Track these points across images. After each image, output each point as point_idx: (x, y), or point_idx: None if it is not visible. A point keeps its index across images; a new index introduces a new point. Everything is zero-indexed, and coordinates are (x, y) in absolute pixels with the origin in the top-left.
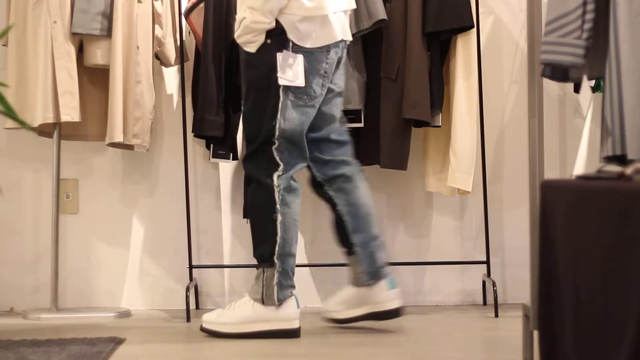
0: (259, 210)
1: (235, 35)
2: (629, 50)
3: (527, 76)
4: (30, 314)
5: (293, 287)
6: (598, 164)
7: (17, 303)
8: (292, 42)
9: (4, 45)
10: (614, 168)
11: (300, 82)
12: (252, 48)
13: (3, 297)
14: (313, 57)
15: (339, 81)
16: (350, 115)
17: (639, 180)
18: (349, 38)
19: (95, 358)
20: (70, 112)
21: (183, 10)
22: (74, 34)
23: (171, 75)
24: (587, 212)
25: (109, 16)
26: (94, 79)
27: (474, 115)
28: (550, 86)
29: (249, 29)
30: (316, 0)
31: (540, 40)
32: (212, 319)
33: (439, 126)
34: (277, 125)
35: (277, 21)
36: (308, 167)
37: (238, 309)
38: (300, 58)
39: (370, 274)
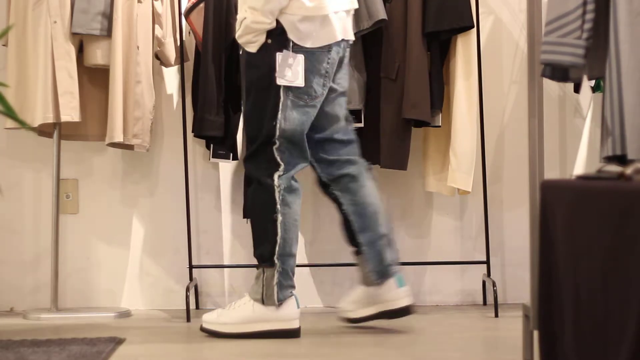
0: (260, 210)
1: (236, 35)
2: (629, 50)
3: (527, 76)
4: (30, 314)
5: (293, 287)
6: (598, 164)
7: (17, 303)
8: (293, 42)
9: (4, 45)
10: (614, 168)
11: (299, 82)
12: (252, 48)
13: (3, 297)
14: (314, 57)
15: (342, 81)
16: (350, 115)
17: (639, 180)
18: (351, 38)
19: (95, 358)
20: (70, 112)
21: (183, 10)
22: (74, 34)
23: (171, 75)
24: (587, 212)
25: (109, 16)
26: (94, 79)
27: (474, 115)
28: (550, 86)
29: (249, 29)
30: (316, 0)
31: (540, 40)
32: (212, 319)
33: (439, 126)
34: (278, 125)
35: (277, 21)
36: (313, 167)
37: (238, 309)
38: (300, 58)
39: (378, 272)
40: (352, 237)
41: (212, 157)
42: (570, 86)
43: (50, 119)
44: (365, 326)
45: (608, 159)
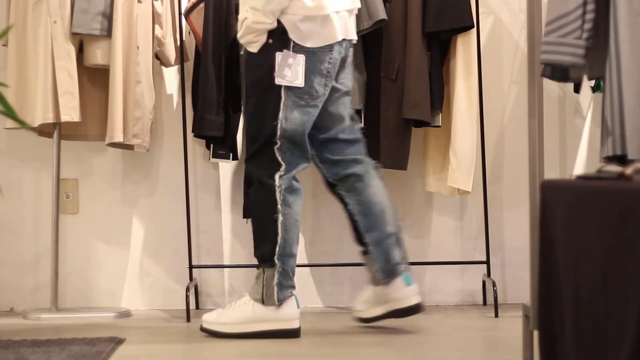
0: (260, 210)
1: (238, 35)
2: (629, 50)
3: (527, 76)
4: (30, 314)
5: (293, 287)
6: (598, 164)
7: (17, 303)
8: (294, 42)
9: (4, 45)
10: (614, 168)
11: (299, 82)
12: (254, 48)
13: (3, 297)
14: (315, 57)
15: (346, 80)
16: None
17: (639, 180)
18: (354, 37)
19: (95, 358)
20: (70, 112)
21: (183, 10)
22: (74, 34)
23: (171, 75)
24: (587, 212)
25: (109, 16)
26: (94, 79)
27: (474, 115)
28: (550, 86)
29: (250, 29)
30: (317, 0)
31: (540, 40)
32: (212, 319)
33: (439, 126)
34: (279, 125)
35: (278, 21)
36: (318, 168)
37: (238, 309)
38: (301, 58)
39: (385, 272)
40: (359, 237)
41: (212, 157)
42: (570, 86)
43: (50, 119)
44: (365, 326)
45: (608, 159)
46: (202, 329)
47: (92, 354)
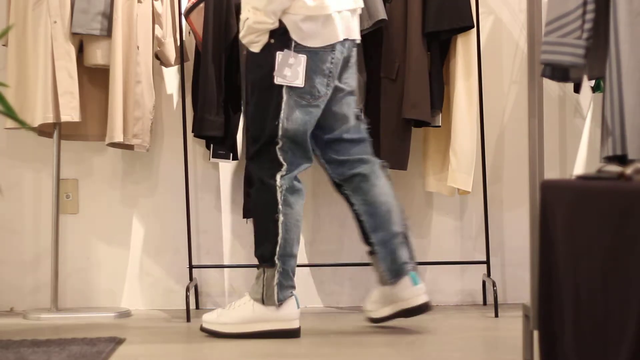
0: (261, 210)
1: (240, 35)
2: (629, 50)
3: (527, 76)
4: (30, 314)
5: (293, 287)
6: (598, 164)
7: (17, 303)
8: (295, 41)
9: (4, 45)
10: (614, 168)
11: (298, 82)
12: (256, 48)
13: (3, 297)
14: (317, 57)
15: (350, 80)
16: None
17: (639, 180)
18: (356, 37)
19: (95, 358)
20: (70, 112)
21: (183, 10)
22: (74, 34)
23: (171, 75)
24: (587, 212)
25: (109, 16)
26: (94, 79)
27: (474, 115)
28: (550, 86)
29: (252, 29)
30: (319, 0)
31: (540, 40)
32: (212, 319)
33: (439, 126)
34: (280, 125)
35: (280, 21)
36: (324, 168)
37: (238, 309)
38: (302, 58)
39: (392, 272)
40: (365, 237)
41: (212, 157)
42: (570, 86)
43: (50, 119)
44: (366, 326)
45: (608, 159)
46: (202, 329)
47: (92, 354)
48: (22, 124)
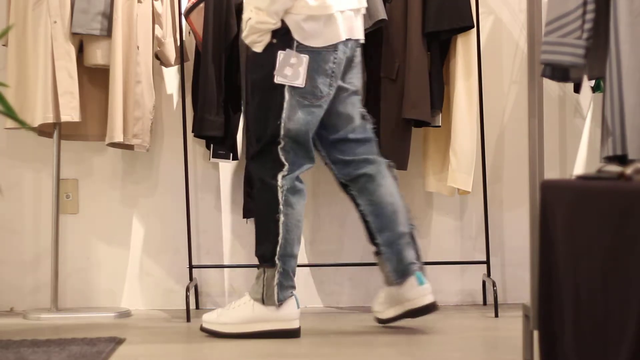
0: (263, 210)
1: (242, 35)
2: (630, 50)
3: (527, 76)
4: (30, 314)
5: (293, 287)
6: (598, 164)
7: (17, 303)
8: (297, 41)
9: (4, 45)
10: (614, 168)
11: (299, 82)
12: (258, 48)
13: (3, 297)
14: (320, 57)
15: (354, 80)
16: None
17: (639, 180)
18: (360, 37)
19: (95, 358)
20: (70, 112)
21: (183, 10)
22: (74, 34)
23: (171, 75)
24: (587, 212)
25: (109, 16)
26: (94, 79)
27: (474, 115)
28: (550, 86)
29: (254, 29)
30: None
31: (540, 40)
32: (212, 319)
33: (439, 126)
34: (282, 125)
35: (282, 21)
36: (330, 169)
37: (238, 309)
38: (304, 58)
39: (398, 272)
40: (371, 237)
41: (212, 157)
42: (570, 86)
43: (50, 119)
44: (365, 326)
45: (608, 159)
46: (202, 329)
47: (92, 354)
48: (22, 124)
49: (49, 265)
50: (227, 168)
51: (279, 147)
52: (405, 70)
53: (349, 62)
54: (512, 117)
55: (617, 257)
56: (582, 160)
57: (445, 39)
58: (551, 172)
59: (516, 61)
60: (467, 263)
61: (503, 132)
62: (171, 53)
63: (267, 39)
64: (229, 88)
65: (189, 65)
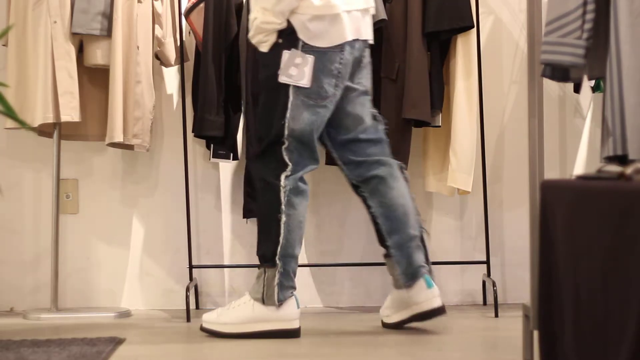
0: (265, 210)
1: (249, 35)
2: (630, 50)
3: (527, 76)
4: (30, 314)
5: (294, 288)
6: (598, 164)
7: (17, 303)
8: (303, 41)
9: (4, 45)
10: (614, 168)
11: (304, 82)
12: (264, 48)
13: (3, 297)
14: (325, 57)
15: (364, 80)
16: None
17: (639, 180)
18: (368, 37)
19: (95, 358)
20: (70, 112)
21: (183, 10)
22: (74, 34)
23: (171, 75)
24: (587, 212)
25: (109, 16)
26: (94, 79)
27: (474, 115)
28: (550, 86)
29: (260, 29)
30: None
31: (540, 40)
32: (212, 319)
33: (439, 126)
34: (286, 125)
35: (288, 21)
36: (341, 170)
37: (238, 309)
38: (309, 59)
39: (407, 275)
40: (381, 240)
41: (213, 157)
42: (570, 86)
43: (50, 119)
44: (365, 326)
45: (608, 159)
46: (202, 329)
47: (92, 354)
48: (22, 124)
49: (49, 265)
50: (227, 168)
51: (283, 147)
52: (406, 70)
53: (357, 62)
54: (512, 117)
55: (617, 257)
56: (582, 160)
57: (445, 39)
58: (551, 172)
59: (516, 61)
60: (467, 263)
61: (503, 132)
62: (171, 53)
63: (273, 38)
64: (229, 88)
65: (189, 65)
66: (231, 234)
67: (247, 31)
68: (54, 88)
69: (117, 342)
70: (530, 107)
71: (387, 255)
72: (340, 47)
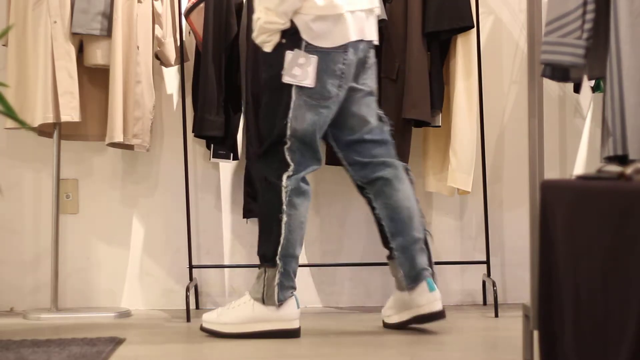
0: (266, 209)
1: (253, 35)
2: (630, 50)
3: (527, 76)
4: (30, 314)
5: (294, 288)
6: (598, 164)
7: (17, 303)
8: (306, 41)
9: (4, 45)
10: (614, 168)
11: (308, 82)
12: (268, 48)
13: (3, 297)
14: (329, 57)
15: (369, 81)
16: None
17: (639, 180)
18: (372, 38)
19: (95, 358)
20: (70, 112)
21: (183, 10)
22: (74, 34)
23: (171, 75)
24: (587, 212)
25: (109, 16)
26: (94, 79)
27: (474, 115)
28: (550, 86)
29: (263, 29)
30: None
31: (540, 40)
32: (212, 319)
33: (439, 126)
34: (289, 125)
35: (291, 21)
36: (347, 171)
37: (238, 308)
38: (313, 59)
39: (410, 277)
40: (385, 241)
41: (213, 157)
42: (570, 86)
43: (50, 119)
44: (365, 326)
45: (609, 159)
46: (202, 329)
47: (92, 354)
48: (22, 124)
49: (49, 265)
50: (227, 168)
51: (285, 147)
52: (406, 70)
53: (362, 63)
54: (512, 117)
55: (617, 257)
56: (582, 160)
57: (445, 39)
58: (551, 172)
59: (516, 61)
60: (467, 263)
61: (503, 132)
62: (171, 53)
63: (276, 39)
64: (229, 88)
65: (189, 65)
66: (231, 234)
67: (247, 31)
68: (54, 88)
69: (117, 342)
70: (530, 107)
71: (390, 257)
72: (343, 48)
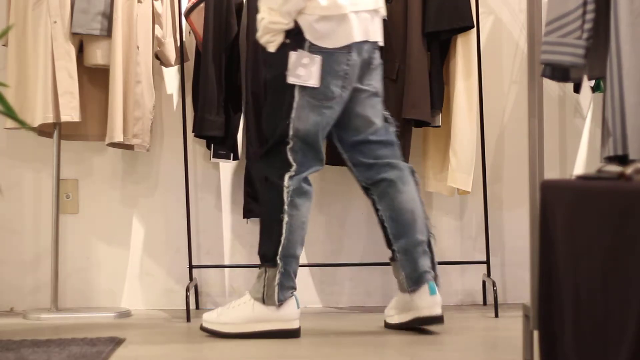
0: (267, 209)
1: (257, 35)
2: (630, 50)
3: (527, 76)
4: (30, 314)
5: (294, 288)
6: (598, 164)
7: (17, 303)
8: (310, 42)
9: (4, 45)
10: (614, 168)
11: (312, 82)
12: (272, 48)
13: (3, 297)
14: (332, 58)
15: (374, 82)
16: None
17: (639, 180)
18: (377, 39)
19: (95, 358)
20: (70, 112)
21: (183, 10)
22: (74, 34)
23: (171, 75)
24: (587, 212)
25: (109, 16)
26: (94, 79)
27: (474, 115)
28: (550, 86)
29: (267, 29)
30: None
31: (540, 40)
32: (212, 319)
33: (439, 126)
34: (291, 125)
35: (295, 21)
36: (351, 172)
37: (238, 308)
38: (317, 59)
39: (412, 280)
40: (388, 243)
41: (213, 157)
42: (570, 86)
43: (50, 119)
44: (365, 326)
45: (609, 159)
46: (202, 329)
47: (92, 354)
48: (22, 124)
49: (49, 265)
50: (227, 168)
51: (288, 147)
52: (406, 70)
53: (367, 64)
54: (512, 117)
55: (617, 257)
56: (582, 160)
57: (445, 39)
58: (551, 172)
59: (516, 61)
60: (467, 263)
61: (503, 132)
62: (171, 53)
63: (280, 39)
64: (229, 88)
65: (189, 65)
66: (231, 234)
67: (247, 31)
68: (54, 88)
69: (117, 342)
70: (530, 107)
71: (392, 259)
72: (347, 48)
